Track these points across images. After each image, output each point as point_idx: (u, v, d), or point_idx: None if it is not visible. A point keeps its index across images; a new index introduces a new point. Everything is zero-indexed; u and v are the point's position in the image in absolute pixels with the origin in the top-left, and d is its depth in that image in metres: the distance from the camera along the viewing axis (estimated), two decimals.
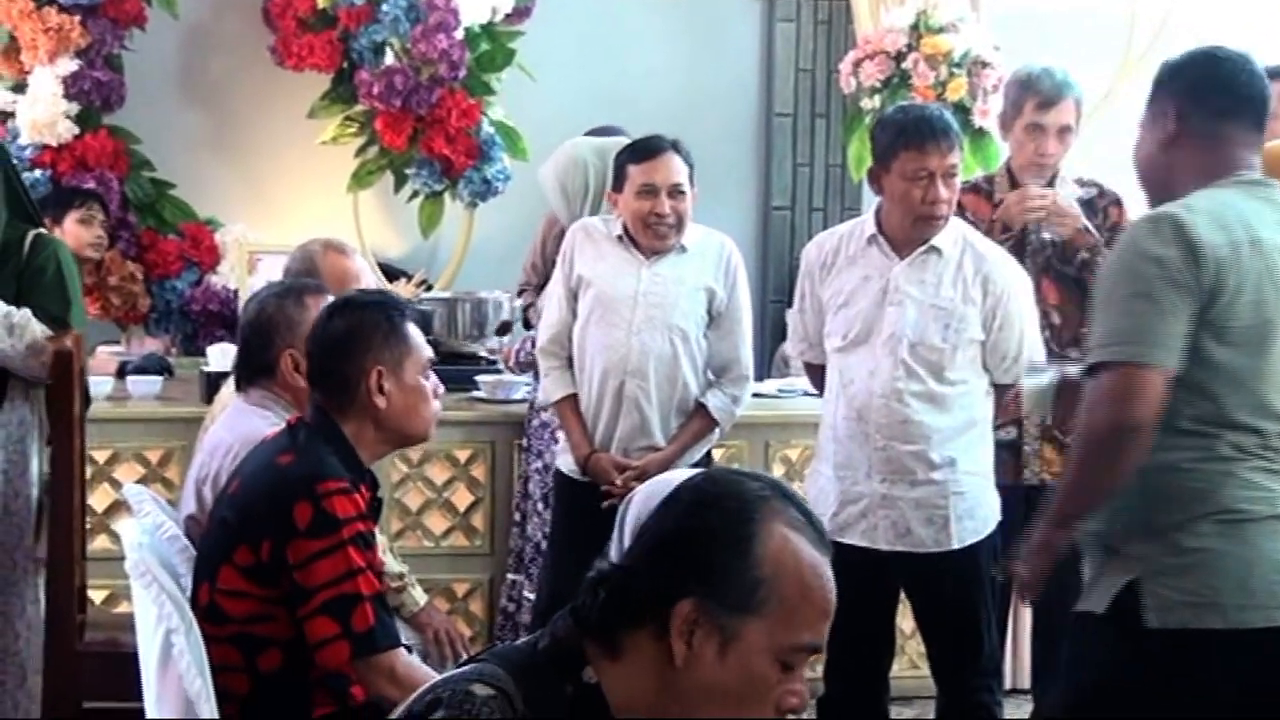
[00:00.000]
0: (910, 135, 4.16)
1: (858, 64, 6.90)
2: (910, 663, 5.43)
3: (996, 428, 4.53)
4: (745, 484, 1.98)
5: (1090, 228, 4.68)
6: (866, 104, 6.83)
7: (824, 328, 4.35)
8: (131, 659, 3.42)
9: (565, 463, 4.76)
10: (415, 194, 6.89)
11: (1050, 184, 4.78)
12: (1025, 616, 5.28)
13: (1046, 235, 4.65)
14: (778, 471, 5.52)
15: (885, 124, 4.28)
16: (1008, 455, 4.59)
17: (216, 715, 3.14)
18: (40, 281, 4.31)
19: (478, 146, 6.76)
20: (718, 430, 4.72)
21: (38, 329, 4.21)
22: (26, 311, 4.21)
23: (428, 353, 3.43)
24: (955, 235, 4.26)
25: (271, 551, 3.21)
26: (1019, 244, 4.63)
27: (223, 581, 3.27)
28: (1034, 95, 4.75)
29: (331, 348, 3.37)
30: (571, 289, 4.74)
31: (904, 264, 4.22)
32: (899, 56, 6.84)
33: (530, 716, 1.83)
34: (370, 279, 4.53)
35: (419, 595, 4.05)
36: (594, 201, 5.03)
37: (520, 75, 6.89)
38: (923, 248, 4.21)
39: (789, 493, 1.99)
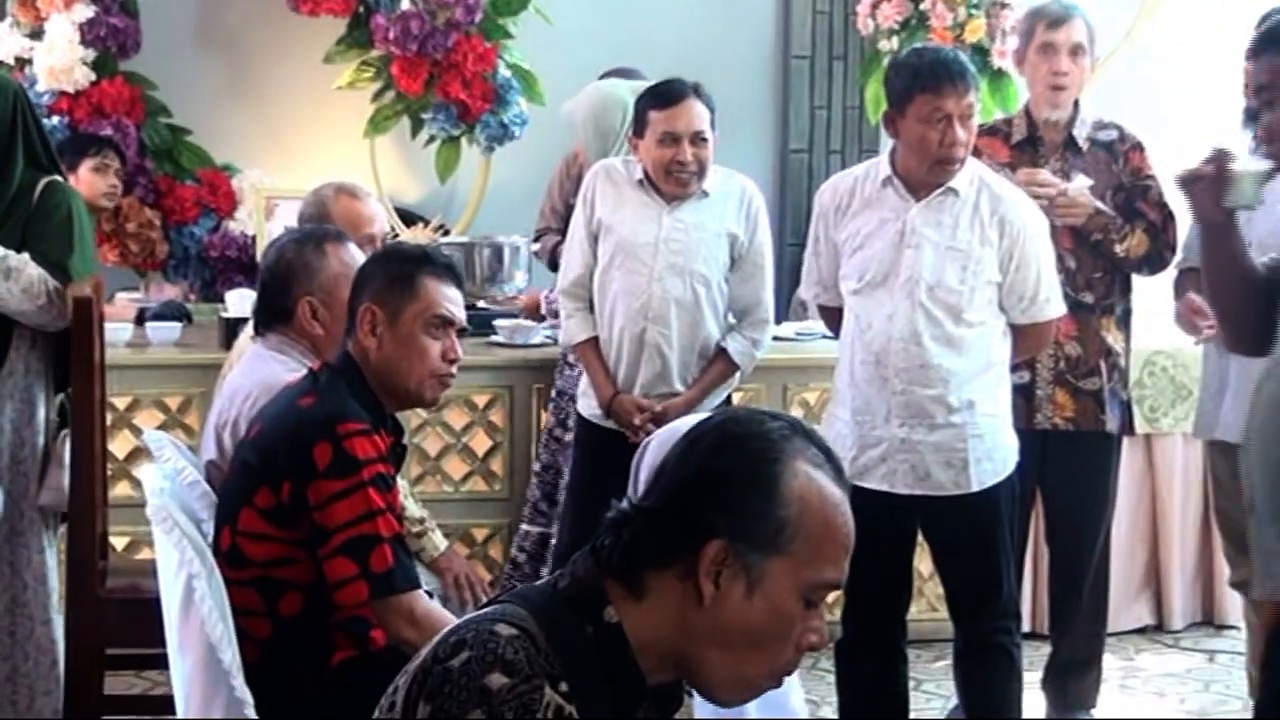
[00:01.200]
0: (926, 78, 4.12)
1: (875, 5, 6.87)
2: (929, 605, 5.44)
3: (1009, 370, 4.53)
4: (767, 423, 1.98)
5: (1104, 208, 4.66)
6: (884, 46, 6.80)
7: (839, 270, 4.33)
8: (153, 604, 3.42)
9: (587, 405, 4.76)
10: (432, 139, 6.87)
11: (1071, 122, 4.75)
12: (1044, 560, 5.28)
13: (1056, 223, 4.62)
14: (795, 414, 5.47)
15: (900, 67, 4.23)
16: (1020, 399, 4.59)
17: (238, 659, 3.17)
18: (45, 227, 4.29)
19: (494, 91, 6.74)
20: (738, 374, 4.72)
21: (34, 273, 4.20)
22: (25, 255, 4.20)
23: (439, 309, 3.37)
24: (971, 176, 4.23)
25: (292, 492, 3.22)
26: None
27: (243, 524, 3.29)
28: (1042, 18, 4.79)
29: (353, 287, 3.40)
30: (592, 232, 4.73)
31: (920, 206, 4.19)
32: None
33: (553, 654, 1.83)
34: (384, 222, 4.51)
35: (439, 540, 4.06)
36: (627, 141, 4.97)
37: (537, 19, 6.86)
38: (939, 189, 4.18)
39: (808, 431, 2.00)
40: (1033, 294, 4.23)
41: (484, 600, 3.86)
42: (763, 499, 1.90)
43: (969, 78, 4.15)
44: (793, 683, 2.54)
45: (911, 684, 4.56)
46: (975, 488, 4.20)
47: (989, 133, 4.82)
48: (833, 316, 4.47)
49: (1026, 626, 5.47)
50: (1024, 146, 4.80)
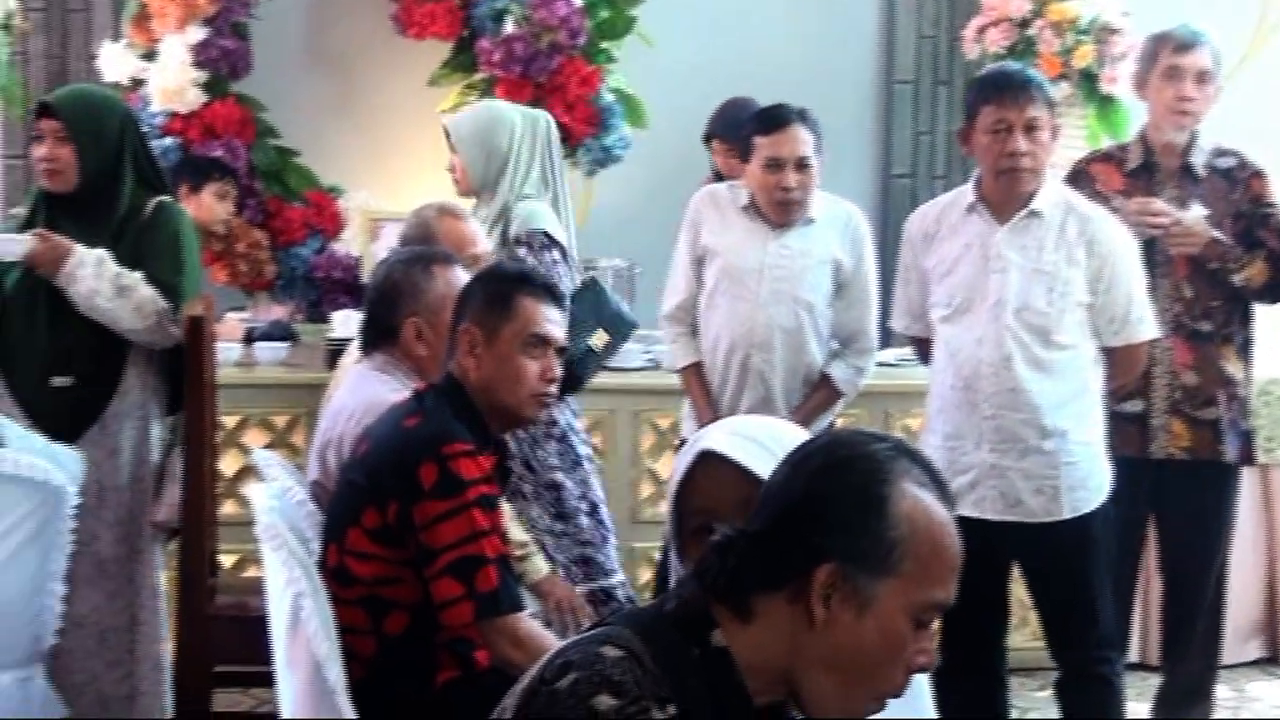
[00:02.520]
0: (990, 89, 4.18)
1: (982, 30, 6.82)
2: (1033, 634, 5.38)
3: (1123, 399, 4.48)
4: (873, 444, 1.98)
5: (1221, 237, 4.60)
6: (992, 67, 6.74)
7: (927, 299, 4.32)
8: (260, 622, 3.45)
9: (689, 429, 4.76)
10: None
11: (1188, 149, 4.70)
12: (1155, 588, 5.21)
13: (1171, 252, 4.57)
14: None
15: (971, 84, 4.32)
16: (1133, 428, 4.54)
17: (343, 677, 3.18)
18: (155, 247, 4.35)
19: (597, 114, 6.74)
20: (841, 401, 4.71)
21: (146, 292, 4.25)
22: (138, 275, 4.26)
23: (537, 327, 3.39)
24: (1056, 198, 4.22)
25: (398, 513, 3.24)
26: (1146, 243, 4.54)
27: (351, 543, 3.31)
28: (1169, 42, 4.72)
29: (455, 308, 3.43)
30: (697, 257, 4.74)
31: (1004, 230, 4.18)
32: (1024, 23, 6.74)
33: (660, 677, 1.82)
34: (487, 242, 4.54)
35: (541, 564, 4.06)
36: (514, 167, 4.91)
37: (640, 43, 6.87)
38: (1022, 212, 4.18)
39: (914, 451, 2.00)
40: (1124, 315, 4.19)
41: (585, 625, 3.87)
42: (873, 520, 1.90)
43: (1033, 89, 4.15)
44: (922, 685, 2.51)
45: (1016, 712, 4.52)
46: (1066, 515, 4.17)
47: (1103, 159, 4.80)
48: (923, 346, 4.46)
49: (1136, 656, 5.42)
50: (1138, 174, 4.75)
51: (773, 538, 1.92)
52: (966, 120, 4.25)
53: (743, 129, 4.69)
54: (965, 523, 4.11)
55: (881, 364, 5.34)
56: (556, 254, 4.71)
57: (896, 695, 1.94)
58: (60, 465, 3.84)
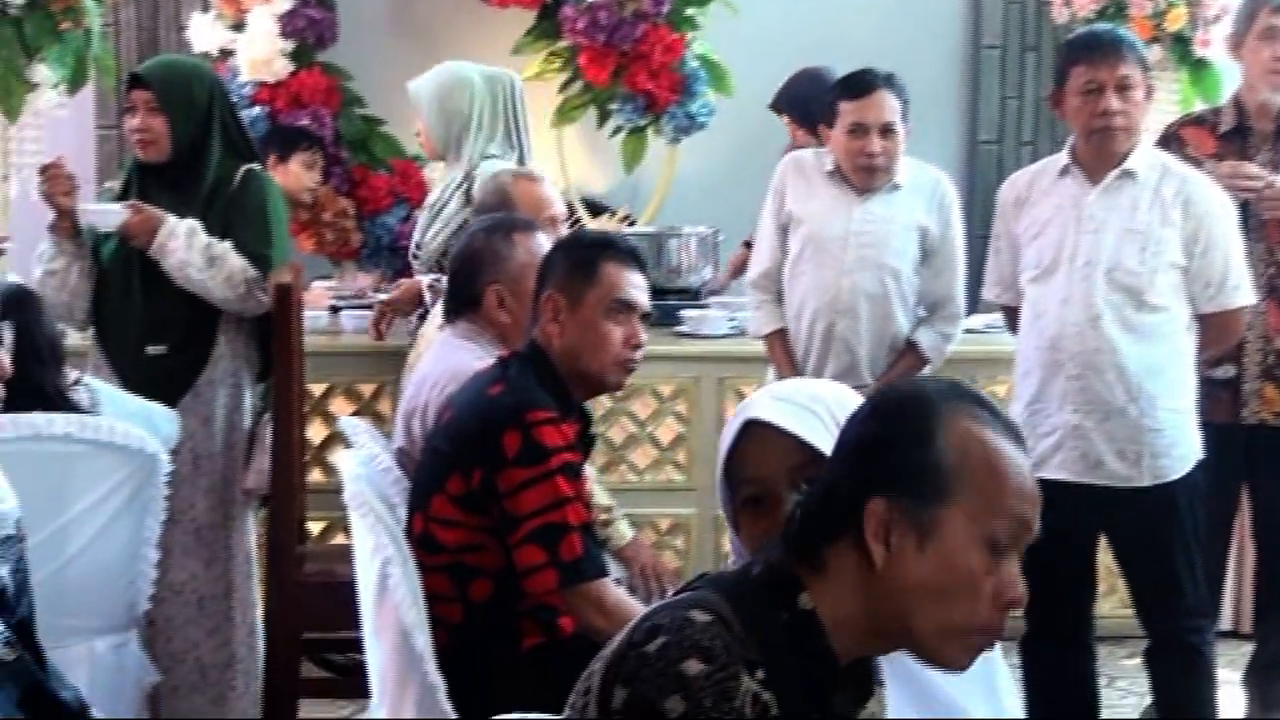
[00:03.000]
0: (1079, 50, 4.14)
1: None
2: (1122, 601, 5.33)
3: (1214, 365, 4.42)
4: (925, 386, 1.98)
5: None
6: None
7: (1018, 267, 4.28)
8: (349, 589, 3.49)
9: None
10: (618, 129, 6.87)
11: None
12: (1249, 556, 5.15)
13: (1264, 216, 4.50)
14: None
15: (1061, 47, 4.32)
16: (1225, 394, 4.48)
17: (431, 645, 3.20)
18: (244, 216, 4.38)
19: (681, 81, 6.72)
20: (928, 368, 4.68)
21: (236, 262, 4.28)
22: (228, 245, 4.28)
23: (620, 293, 3.37)
24: (1151, 159, 4.17)
25: (482, 480, 3.24)
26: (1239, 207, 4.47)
27: (436, 510, 3.32)
28: (1268, 3, 4.62)
29: (538, 275, 3.43)
30: (781, 225, 4.72)
31: (1097, 190, 4.14)
32: None
33: (748, 641, 1.81)
34: (563, 204, 4.53)
35: (626, 529, 4.07)
36: (477, 128, 4.92)
37: (725, 10, 6.83)
38: (1115, 172, 4.12)
39: (972, 392, 1.97)
40: (1220, 280, 4.12)
41: (669, 590, 3.87)
42: (920, 451, 1.87)
43: (1124, 49, 4.10)
44: (997, 661, 2.48)
45: (1105, 680, 4.49)
46: (1148, 482, 4.11)
47: (1195, 123, 4.74)
48: (1013, 315, 4.41)
49: (1229, 625, 5.36)
50: (1231, 137, 4.66)
51: (828, 486, 1.91)
52: (1057, 83, 4.20)
53: (826, 95, 4.66)
54: (1048, 486, 4.12)
55: (968, 330, 5.30)
56: None
57: (992, 634, 1.90)
58: (155, 427, 3.87)
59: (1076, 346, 4.10)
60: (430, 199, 4.94)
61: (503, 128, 4.89)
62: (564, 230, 4.50)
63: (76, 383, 3.82)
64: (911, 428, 1.89)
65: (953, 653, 1.90)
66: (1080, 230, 4.12)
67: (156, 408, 3.85)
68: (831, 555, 1.89)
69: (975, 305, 5.33)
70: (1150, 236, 4.08)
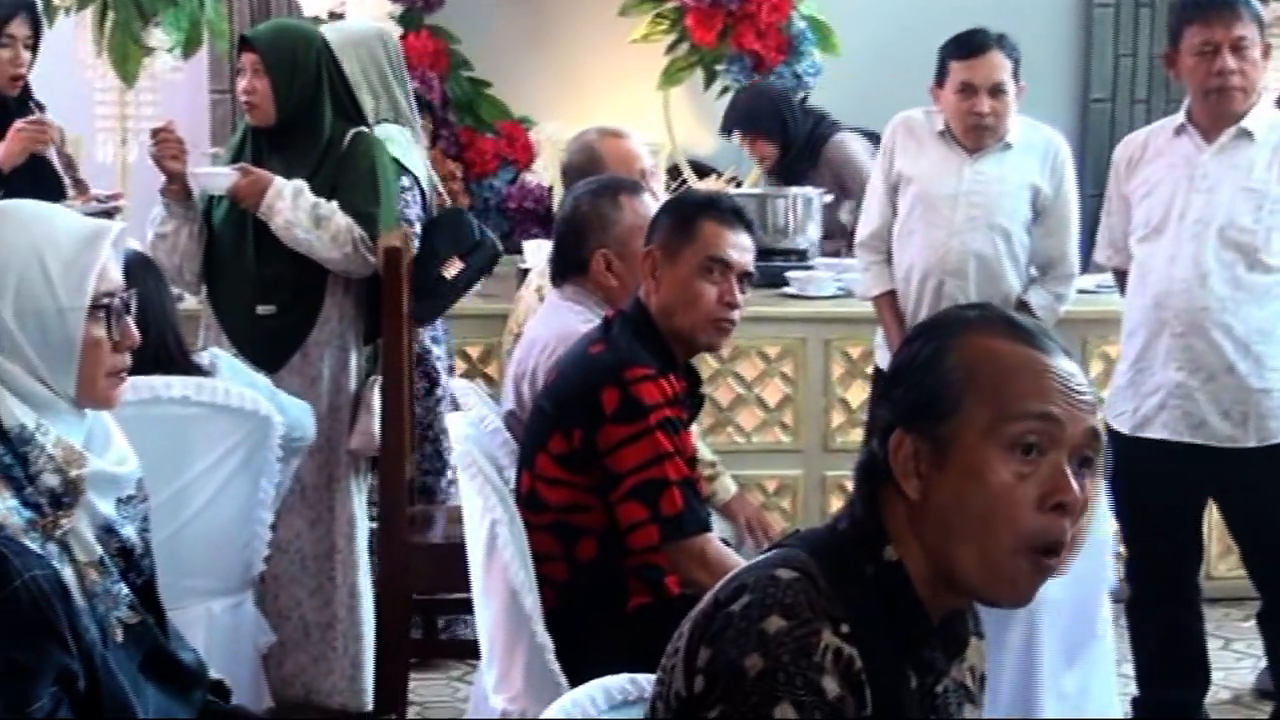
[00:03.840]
0: (1193, 9, 4.08)
1: None
2: (1238, 562, 5.27)
3: None
4: (950, 313, 1.94)
5: None
6: None
7: (1128, 227, 4.24)
8: (458, 550, 3.51)
9: (883, 358, 4.73)
10: (725, 90, 6.85)
11: None
12: None
13: None
14: (1096, 368, 5.42)
15: (1174, 5, 4.24)
16: None
17: (539, 605, 3.22)
18: (352, 177, 4.37)
19: (788, 41, 6.69)
20: None
21: (342, 221, 4.29)
22: (334, 204, 4.30)
23: (716, 251, 3.34)
24: (1270, 119, 4.13)
25: (583, 438, 3.25)
26: None
27: (540, 469, 3.33)
28: None
29: (640, 237, 3.44)
30: (891, 184, 4.70)
31: (1212, 150, 4.09)
32: None
33: (834, 596, 1.79)
34: (650, 158, 4.52)
35: (730, 484, 4.05)
36: (379, 84, 4.87)
37: None
38: (1232, 132, 4.07)
39: (999, 313, 1.92)
40: None
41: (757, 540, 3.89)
42: (928, 375, 1.84)
43: (1239, 7, 4.04)
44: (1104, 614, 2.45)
45: (1221, 643, 4.44)
46: (1252, 443, 4.07)
47: None
48: (1124, 280, 4.37)
49: None
50: None
51: (869, 432, 1.90)
52: (1171, 43, 4.15)
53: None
54: (1151, 445, 4.08)
55: (1080, 290, 5.25)
56: (406, 180, 4.71)
57: (1051, 544, 1.81)
58: (299, 420, 3.88)
59: (1182, 304, 4.07)
60: None
61: (399, 91, 4.91)
62: (656, 184, 4.49)
63: (202, 350, 3.87)
64: (923, 354, 1.86)
65: (1001, 583, 1.83)
66: (1192, 189, 4.07)
67: (294, 400, 3.87)
68: (885, 503, 1.87)
69: (1086, 265, 5.28)
70: (1267, 195, 4.04)
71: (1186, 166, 4.09)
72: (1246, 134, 4.06)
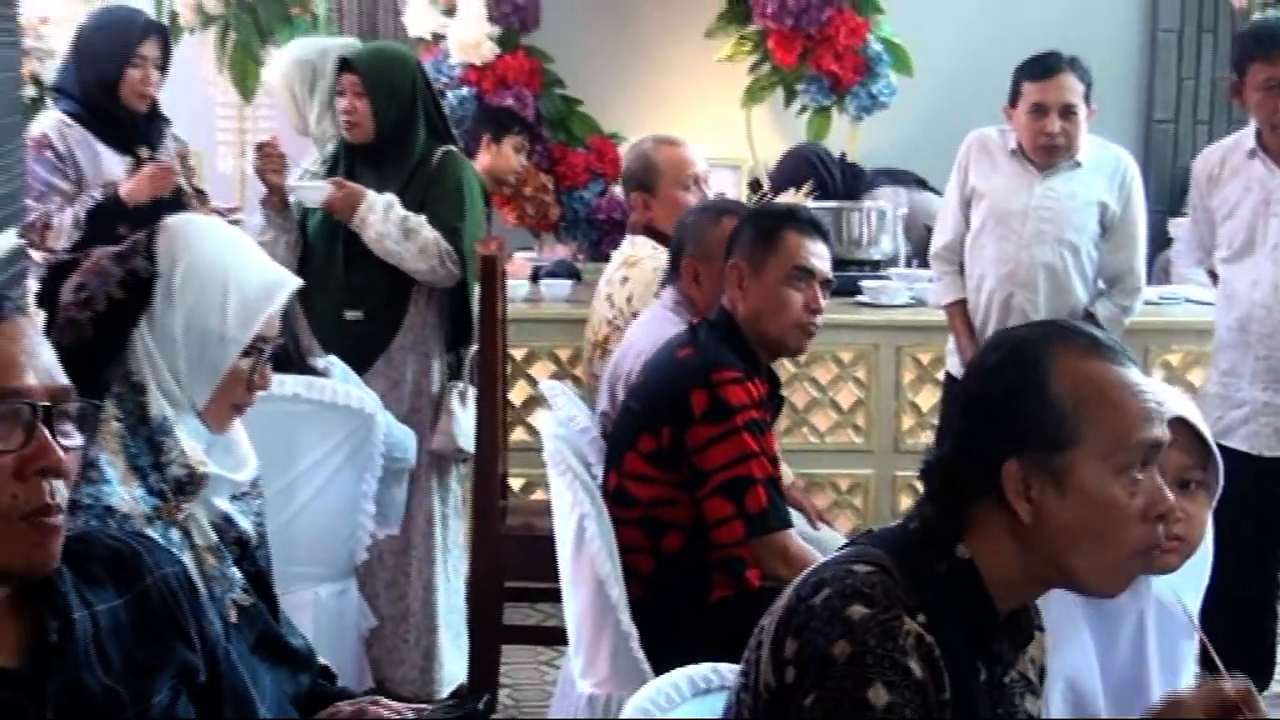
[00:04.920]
0: (1255, 46, 4.07)
1: None
2: None
3: None
4: (1023, 333, 1.94)
5: None
6: (1258, 19, 6.46)
7: (1215, 236, 4.22)
8: (547, 542, 3.50)
9: (953, 365, 4.71)
10: (804, 108, 6.82)
11: None
12: None
13: None
14: (1158, 375, 5.35)
15: (1239, 38, 4.24)
16: None
17: (625, 595, 3.20)
18: (440, 193, 4.38)
19: (865, 63, 6.64)
20: None
21: (430, 234, 4.30)
22: (422, 218, 4.31)
23: (801, 260, 3.34)
24: None
25: (671, 437, 3.25)
26: None
27: (629, 467, 3.33)
28: None
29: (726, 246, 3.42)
30: (965, 198, 4.68)
31: None
32: None
33: (909, 589, 1.80)
34: (703, 164, 4.49)
35: (787, 471, 4.02)
36: (322, 101, 4.82)
37: None
38: None
39: (1069, 326, 1.94)
40: None
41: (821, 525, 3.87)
42: (1037, 405, 1.84)
43: None
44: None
45: None
46: None
47: None
48: (1216, 279, 4.37)
49: None
50: None
51: (958, 456, 1.89)
52: (1236, 74, 4.14)
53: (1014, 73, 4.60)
54: (1233, 455, 4.05)
55: (1144, 302, 5.21)
56: None
57: (1151, 550, 1.87)
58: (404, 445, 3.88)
59: (1264, 329, 4.08)
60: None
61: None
62: (710, 188, 4.49)
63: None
64: (1023, 381, 1.86)
65: (1114, 582, 1.89)
66: (1269, 213, 4.04)
67: (399, 425, 3.87)
68: (978, 514, 1.87)
69: (1150, 276, 5.24)
70: None
71: (1261, 190, 4.08)
72: None
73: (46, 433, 1.63)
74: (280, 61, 5.03)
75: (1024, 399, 1.85)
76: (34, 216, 4.38)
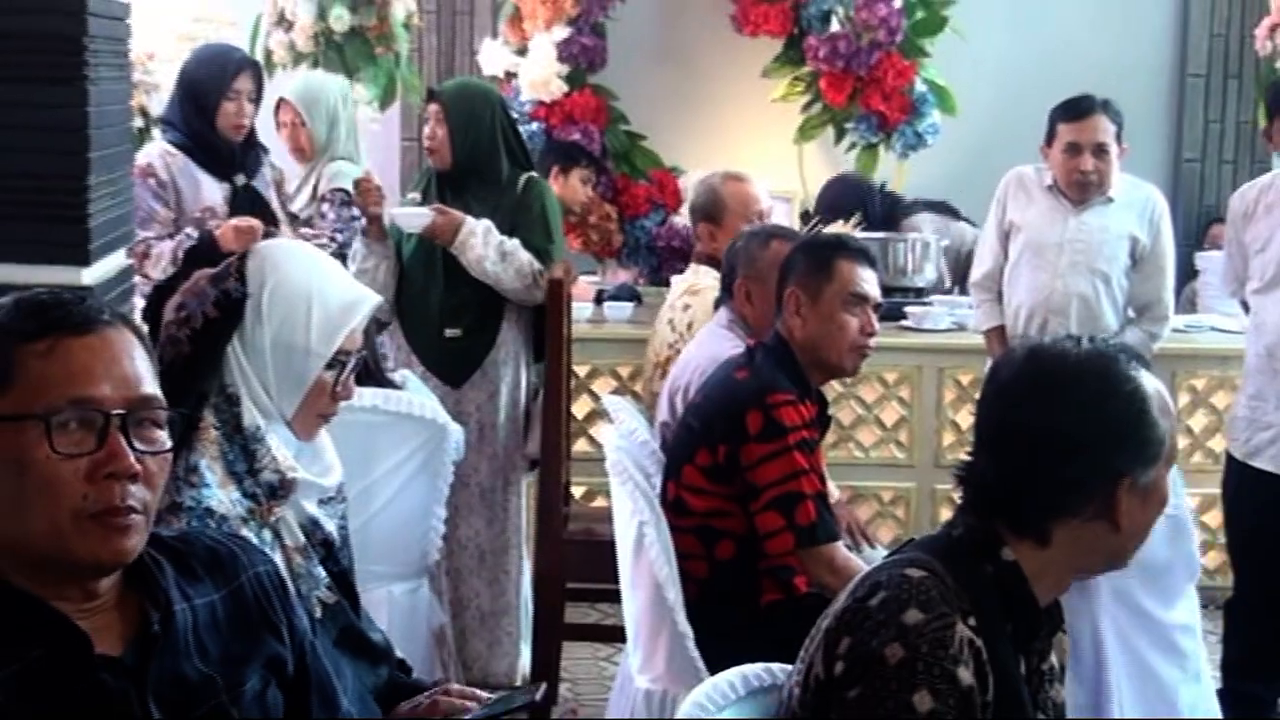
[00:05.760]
0: None
1: (1275, 28, 6.46)
2: None
3: None
4: (1106, 362, 1.90)
5: None
6: None
7: (1249, 269, 4.20)
8: (607, 546, 3.49)
9: None
10: (853, 145, 6.80)
11: None
12: None
13: None
14: (1183, 399, 5.36)
15: (1271, 86, 4.24)
16: None
17: (680, 597, 3.20)
18: (528, 217, 4.40)
19: (911, 103, 6.63)
20: None
21: (524, 256, 4.32)
22: (516, 242, 4.33)
23: (855, 287, 3.34)
24: None
25: (727, 454, 3.24)
26: None
27: (686, 479, 3.33)
28: None
29: (779, 274, 3.41)
30: (1004, 231, 4.69)
31: None
32: None
33: (960, 592, 1.81)
34: (767, 200, 4.49)
35: (833, 489, 4.00)
36: (345, 130, 4.91)
37: (952, 37, 6.71)
38: None
39: (1119, 345, 1.97)
40: None
41: (863, 545, 3.85)
42: (1146, 429, 1.88)
43: None
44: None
45: None
46: None
47: None
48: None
49: None
50: None
51: (1065, 474, 1.86)
52: (1269, 118, 4.17)
53: (1051, 114, 4.59)
54: (1262, 475, 4.03)
55: (1172, 330, 5.17)
56: (356, 210, 4.65)
57: None
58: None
59: None
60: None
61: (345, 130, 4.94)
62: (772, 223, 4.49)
63: (394, 370, 3.93)
64: (1131, 409, 1.88)
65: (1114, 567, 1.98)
66: None
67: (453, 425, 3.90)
68: (1062, 529, 1.88)
69: (1178, 306, 5.21)
70: None
71: None
72: None
73: (121, 439, 1.64)
74: (339, 89, 5.07)
75: (1138, 424, 1.89)
76: (135, 242, 4.43)
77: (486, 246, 4.28)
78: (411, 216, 4.36)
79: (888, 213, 6.23)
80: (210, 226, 4.51)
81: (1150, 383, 1.89)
